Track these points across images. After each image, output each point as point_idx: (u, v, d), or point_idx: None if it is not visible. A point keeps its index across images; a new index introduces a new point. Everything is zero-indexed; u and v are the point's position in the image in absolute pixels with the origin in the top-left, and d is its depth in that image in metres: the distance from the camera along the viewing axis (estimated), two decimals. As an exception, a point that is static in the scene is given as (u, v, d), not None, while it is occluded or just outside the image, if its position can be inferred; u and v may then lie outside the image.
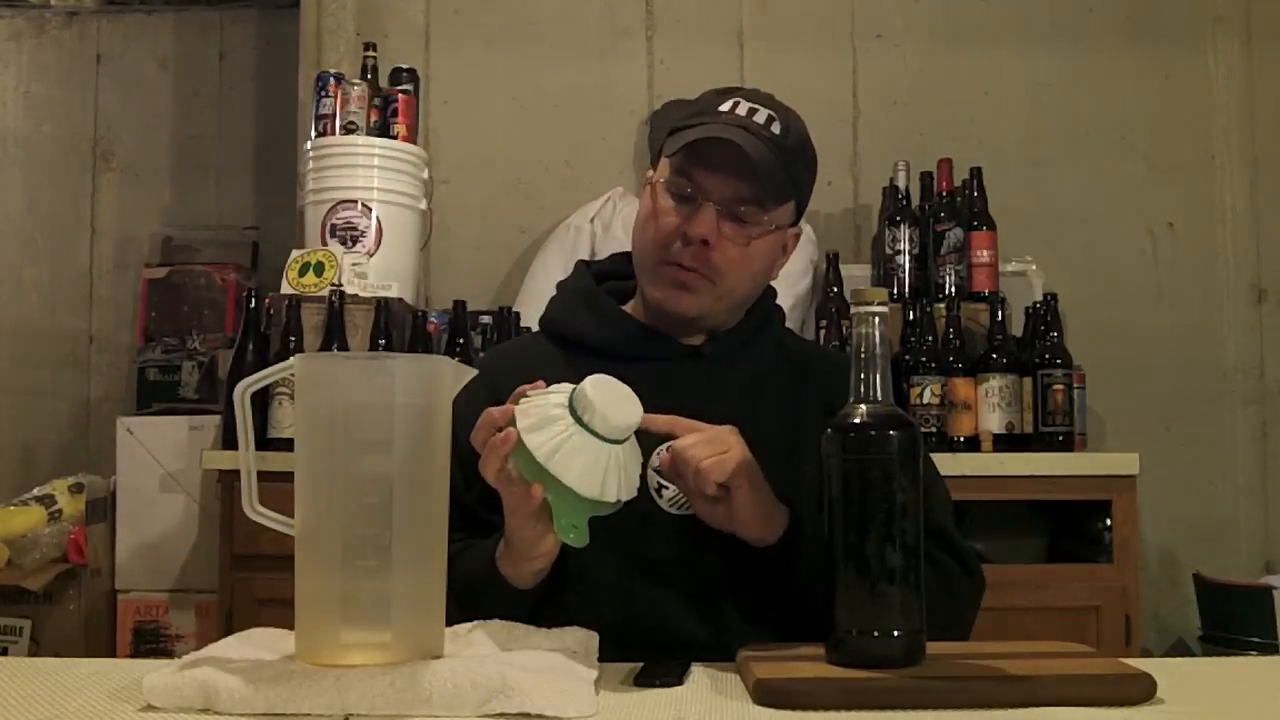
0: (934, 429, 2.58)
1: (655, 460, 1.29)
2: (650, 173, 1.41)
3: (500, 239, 3.20)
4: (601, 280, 1.48)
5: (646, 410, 1.13)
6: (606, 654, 1.10)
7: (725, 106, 1.36)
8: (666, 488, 1.31)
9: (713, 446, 1.18)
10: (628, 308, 1.45)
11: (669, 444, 1.21)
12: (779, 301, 1.52)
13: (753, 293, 1.43)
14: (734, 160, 1.31)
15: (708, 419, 1.23)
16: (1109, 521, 2.54)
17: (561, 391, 1.11)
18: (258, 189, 3.61)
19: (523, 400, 1.11)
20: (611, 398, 1.09)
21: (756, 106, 1.35)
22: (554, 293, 1.52)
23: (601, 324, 1.42)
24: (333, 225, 2.74)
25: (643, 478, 1.15)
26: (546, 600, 1.25)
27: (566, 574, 1.27)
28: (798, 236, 1.45)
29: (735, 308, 1.42)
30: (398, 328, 2.67)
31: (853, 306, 1.10)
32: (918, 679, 0.99)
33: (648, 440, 1.18)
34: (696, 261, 1.34)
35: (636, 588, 1.29)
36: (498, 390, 1.30)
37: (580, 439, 1.07)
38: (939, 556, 1.30)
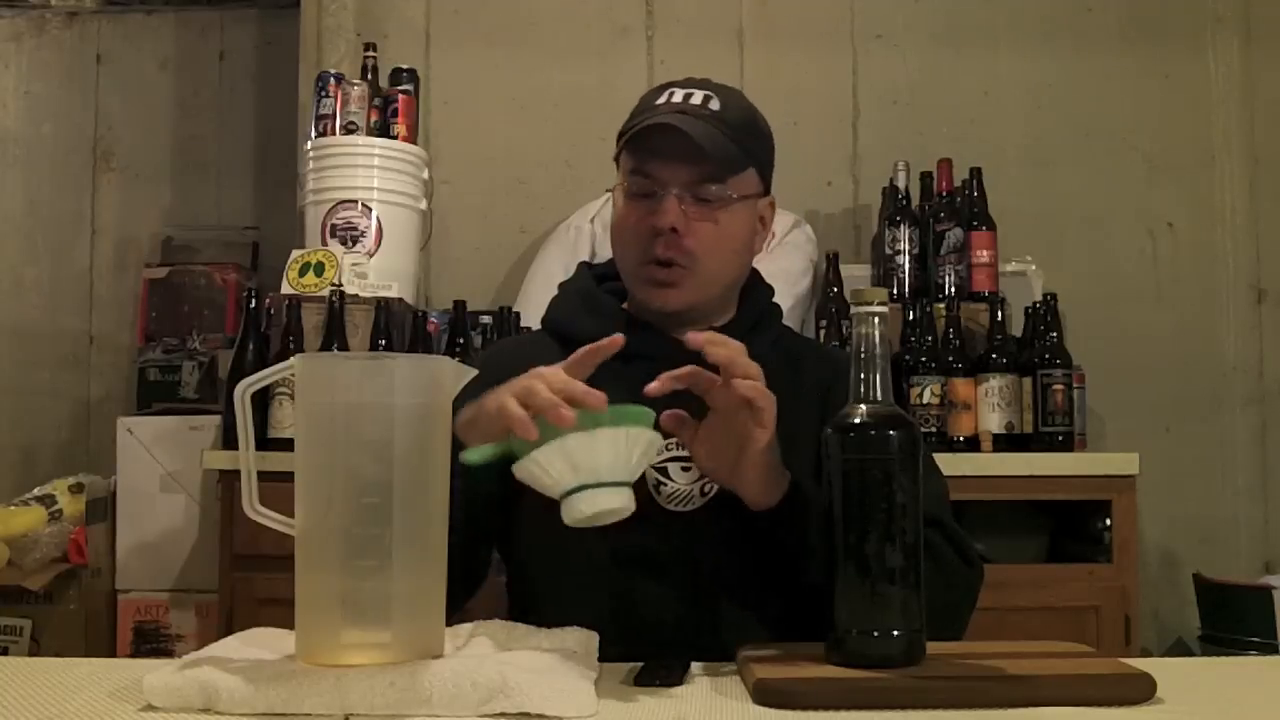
0: (934, 429, 2.58)
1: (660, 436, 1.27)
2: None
3: (500, 239, 3.20)
4: (603, 282, 1.49)
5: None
6: (606, 654, 1.10)
7: (661, 99, 1.39)
8: (665, 484, 1.32)
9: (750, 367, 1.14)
10: (627, 307, 1.46)
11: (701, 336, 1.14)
12: (780, 301, 1.53)
13: (737, 271, 1.43)
14: (679, 144, 1.33)
15: (703, 415, 1.23)
16: (1109, 521, 2.54)
17: (629, 439, 1.05)
18: (258, 189, 3.61)
19: (610, 428, 1.04)
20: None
21: (691, 90, 1.38)
22: (555, 293, 1.53)
23: (600, 323, 1.42)
24: (333, 225, 2.74)
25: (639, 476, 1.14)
26: (545, 599, 1.25)
27: (565, 573, 1.27)
28: (772, 205, 1.46)
29: (725, 292, 1.42)
30: (398, 328, 2.67)
31: (853, 306, 1.10)
32: (918, 679, 0.99)
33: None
34: (672, 252, 1.35)
35: (635, 586, 1.29)
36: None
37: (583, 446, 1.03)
38: (935, 540, 1.29)
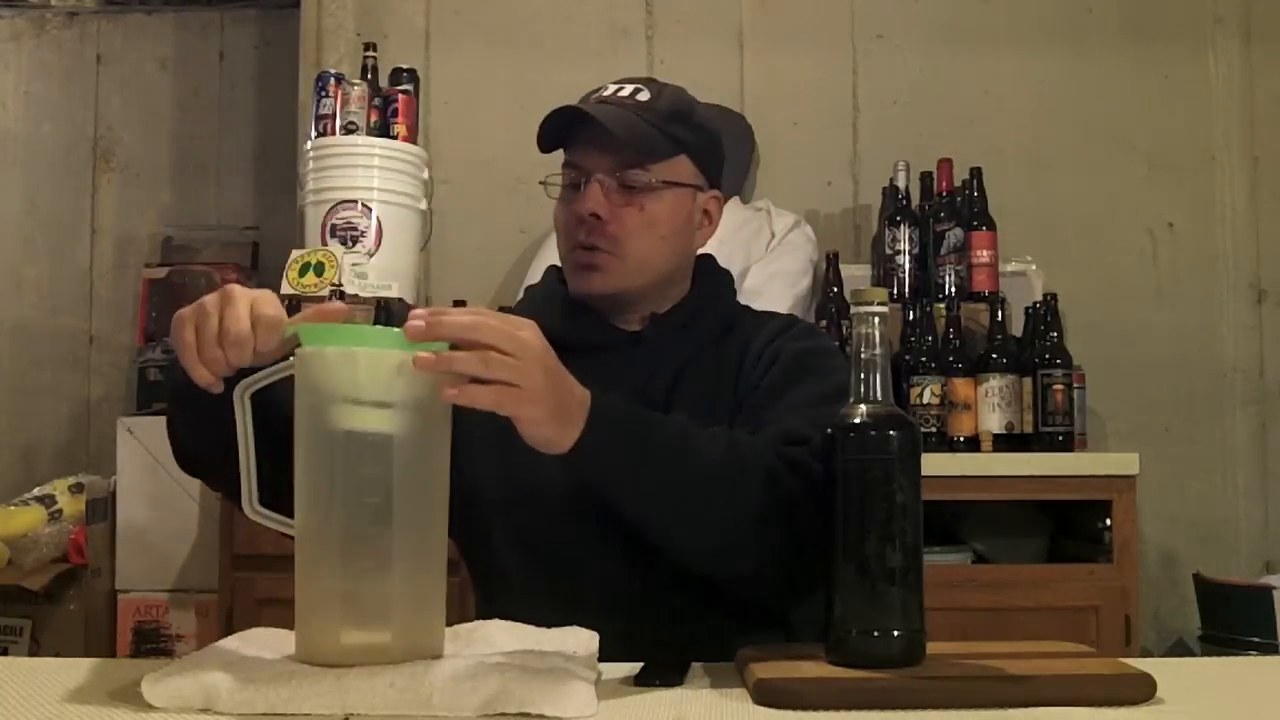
0: (934, 429, 2.58)
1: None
2: None
3: (500, 239, 3.20)
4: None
5: None
6: (605, 654, 1.10)
7: (595, 94, 1.41)
8: None
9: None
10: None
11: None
12: (780, 301, 1.53)
13: (670, 260, 1.41)
14: (596, 132, 1.34)
15: (640, 400, 1.24)
16: (1109, 521, 2.54)
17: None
18: (258, 189, 3.61)
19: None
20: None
21: (623, 85, 1.40)
22: (520, 297, 1.56)
23: (547, 314, 1.42)
24: (333, 225, 2.74)
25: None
26: (539, 602, 1.25)
27: (553, 576, 1.27)
28: (718, 200, 1.46)
29: (660, 280, 1.41)
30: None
31: (853, 306, 1.10)
32: (918, 679, 0.99)
33: None
34: (595, 238, 1.36)
35: (628, 585, 1.29)
36: None
37: None
38: (775, 467, 1.19)
